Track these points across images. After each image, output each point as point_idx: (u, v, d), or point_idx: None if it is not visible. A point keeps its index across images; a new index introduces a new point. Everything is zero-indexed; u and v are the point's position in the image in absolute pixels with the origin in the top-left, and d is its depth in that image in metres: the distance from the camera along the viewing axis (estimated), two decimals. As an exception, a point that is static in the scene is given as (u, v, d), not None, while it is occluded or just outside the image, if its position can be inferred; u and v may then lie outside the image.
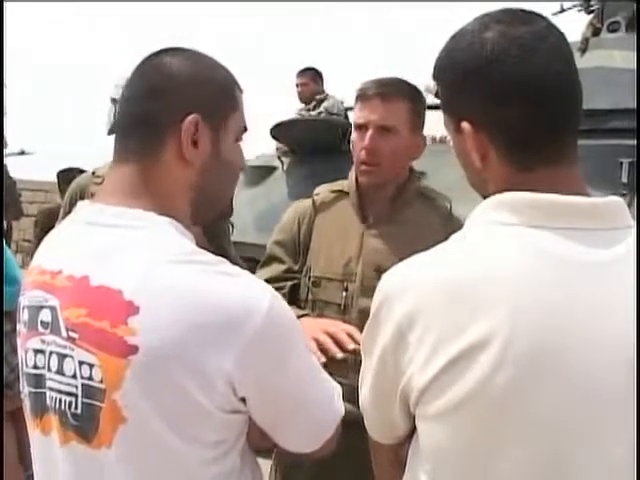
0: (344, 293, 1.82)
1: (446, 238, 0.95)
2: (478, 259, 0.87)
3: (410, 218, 1.86)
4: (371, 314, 0.96)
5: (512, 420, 0.84)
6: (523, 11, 0.94)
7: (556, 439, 0.83)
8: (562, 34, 0.94)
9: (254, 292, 0.96)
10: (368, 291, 1.76)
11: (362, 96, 1.84)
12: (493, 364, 0.82)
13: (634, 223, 0.91)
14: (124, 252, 0.96)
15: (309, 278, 1.87)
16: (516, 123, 0.89)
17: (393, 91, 1.81)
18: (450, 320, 0.85)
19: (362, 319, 1.75)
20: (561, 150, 0.92)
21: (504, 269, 0.85)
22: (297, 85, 5.52)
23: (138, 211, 0.99)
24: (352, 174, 1.93)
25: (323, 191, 1.97)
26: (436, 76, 1.00)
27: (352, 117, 1.92)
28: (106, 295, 0.94)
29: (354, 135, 1.86)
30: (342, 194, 1.93)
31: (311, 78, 5.48)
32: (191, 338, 0.91)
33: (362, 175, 1.85)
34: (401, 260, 0.91)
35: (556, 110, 0.90)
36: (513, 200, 0.89)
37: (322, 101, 5.48)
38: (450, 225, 1.81)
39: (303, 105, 5.58)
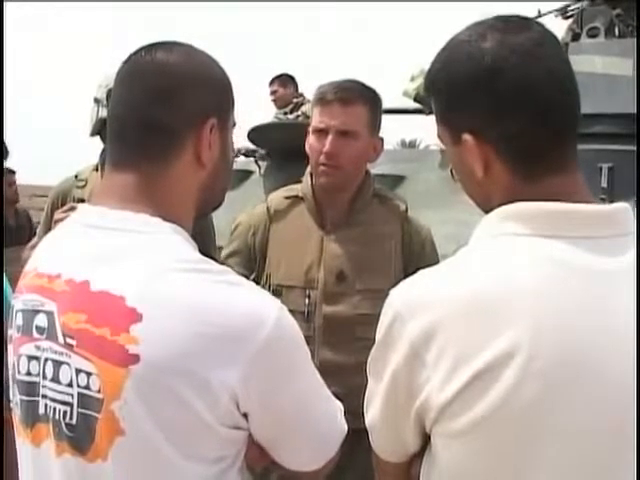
0: (307, 300, 1.81)
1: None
2: (493, 272, 0.85)
3: (368, 220, 1.86)
4: (379, 334, 0.93)
5: (540, 432, 0.82)
6: (516, 17, 0.92)
7: (587, 446, 0.83)
8: (556, 38, 0.93)
9: (262, 304, 0.93)
10: (331, 297, 1.81)
11: (321, 100, 1.82)
12: (518, 378, 0.81)
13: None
14: (128, 257, 0.91)
15: (269, 287, 1.84)
16: (521, 133, 0.87)
17: (353, 96, 1.80)
18: (470, 336, 0.83)
19: (327, 326, 1.79)
20: (565, 157, 0.90)
21: (521, 281, 0.84)
22: (270, 93, 5.56)
23: (144, 216, 0.94)
24: (307, 178, 1.91)
25: (276, 197, 1.94)
26: (431, 88, 0.97)
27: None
28: (107, 301, 0.89)
29: (312, 139, 1.84)
30: (297, 200, 1.91)
31: (280, 84, 5.51)
32: (195, 349, 0.87)
33: (321, 176, 1.83)
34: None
35: (559, 117, 0.88)
36: (523, 211, 0.87)
37: (301, 105, 5.46)
38: (407, 225, 1.85)
39: (280, 109, 5.58)
